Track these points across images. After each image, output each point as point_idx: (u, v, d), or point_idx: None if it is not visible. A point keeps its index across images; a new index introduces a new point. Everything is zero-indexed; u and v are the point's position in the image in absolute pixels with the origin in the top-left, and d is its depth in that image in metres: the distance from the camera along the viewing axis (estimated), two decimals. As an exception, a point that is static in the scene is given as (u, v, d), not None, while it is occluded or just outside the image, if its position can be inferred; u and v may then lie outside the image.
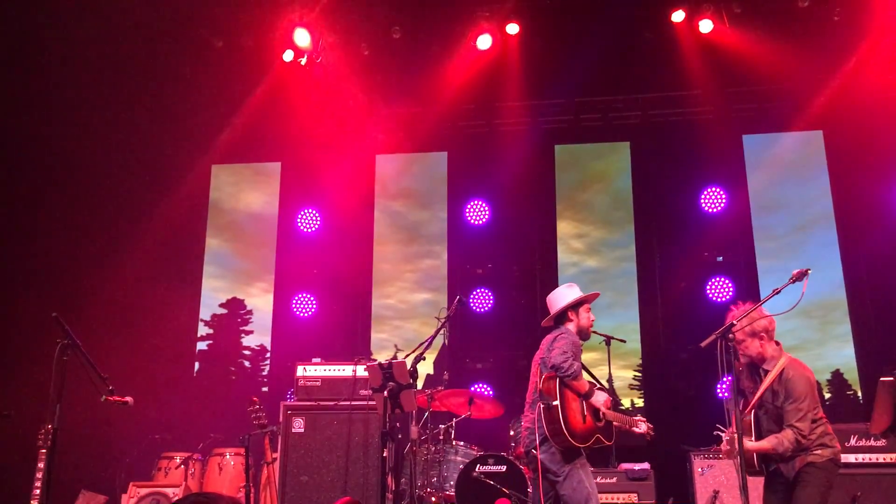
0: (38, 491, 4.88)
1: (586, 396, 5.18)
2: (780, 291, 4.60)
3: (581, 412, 5.15)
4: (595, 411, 5.24)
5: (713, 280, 9.56)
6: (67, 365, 5.06)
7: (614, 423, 5.37)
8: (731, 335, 4.58)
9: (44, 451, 4.92)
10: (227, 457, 7.84)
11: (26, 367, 7.42)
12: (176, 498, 7.02)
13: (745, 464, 4.48)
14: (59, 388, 4.98)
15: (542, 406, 5.10)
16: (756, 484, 4.85)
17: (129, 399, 5.35)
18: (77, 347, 5.09)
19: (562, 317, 5.48)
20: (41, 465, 4.91)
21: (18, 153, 8.70)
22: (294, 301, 10.46)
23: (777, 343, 4.96)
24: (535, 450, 5.14)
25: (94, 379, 5.19)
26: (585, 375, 5.35)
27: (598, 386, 5.39)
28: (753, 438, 4.80)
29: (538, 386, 5.22)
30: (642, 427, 5.42)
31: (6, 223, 8.66)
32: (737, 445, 4.52)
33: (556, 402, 5.03)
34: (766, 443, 4.74)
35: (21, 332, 7.93)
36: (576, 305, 5.46)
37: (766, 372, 4.89)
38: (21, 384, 7.38)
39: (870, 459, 6.29)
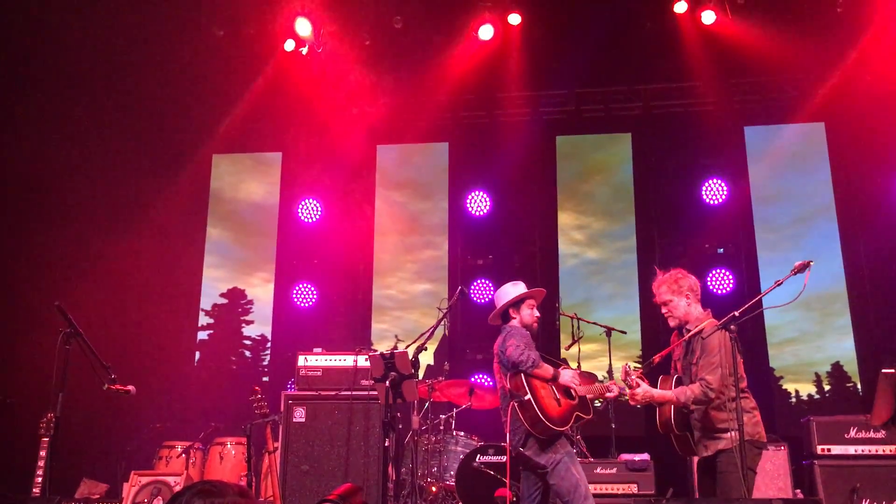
0: (39, 479, 4.90)
1: (554, 379, 5.25)
2: (781, 283, 4.59)
3: (554, 397, 5.23)
4: (567, 390, 5.32)
5: (714, 272, 9.52)
6: (70, 354, 5.07)
7: (588, 396, 5.43)
8: (732, 326, 4.57)
9: (46, 439, 4.94)
10: (228, 446, 7.86)
11: (29, 356, 7.44)
12: (177, 487, 7.04)
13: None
14: (62, 377, 5.00)
15: (515, 404, 5.16)
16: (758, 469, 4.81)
17: (131, 388, 5.37)
18: (80, 336, 5.11)
19: (506, 314, 5.54)
20: (43, 453, 4.93)
21: (18, 142, 8.69)
22: (295, 291, 10.46)
23: (705, 309, 5.01)
24: (522, 448, 5.22)
25: (96, 368, 5.21)
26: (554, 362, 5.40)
27: (561, 364, 5.44)
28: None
29: (506, 387, 5.29)
30: (615, 390, 5.42)
31: (7, 212, 8.66)
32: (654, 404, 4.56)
33: (528, 397, 5.10)
34: (671, 392, 4.75)
35: (23, 320, 7.95)
36: (517, 303, 5.50)
37: (689, 332, 4.88)
38: (23, 372, 7.39)
39: (869, 451, 6.31)
